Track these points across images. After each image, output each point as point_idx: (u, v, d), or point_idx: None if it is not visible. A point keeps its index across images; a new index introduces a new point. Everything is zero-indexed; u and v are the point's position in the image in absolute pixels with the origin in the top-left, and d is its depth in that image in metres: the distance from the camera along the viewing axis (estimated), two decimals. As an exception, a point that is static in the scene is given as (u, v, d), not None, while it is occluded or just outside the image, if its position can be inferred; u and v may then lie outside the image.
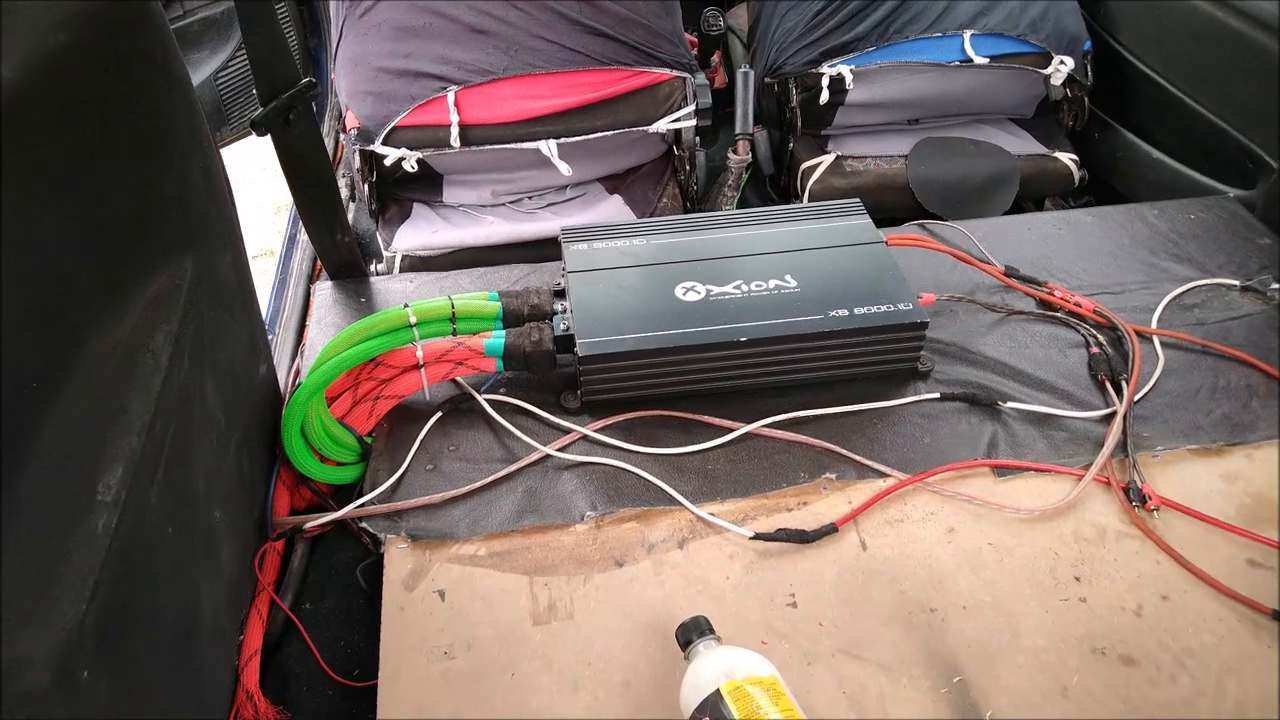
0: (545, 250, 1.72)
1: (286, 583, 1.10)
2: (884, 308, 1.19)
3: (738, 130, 1.81)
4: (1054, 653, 0.94)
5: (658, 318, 1.20)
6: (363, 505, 1.10)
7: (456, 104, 1.67)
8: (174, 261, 0.95)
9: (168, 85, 0.93)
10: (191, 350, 0.95)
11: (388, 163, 1.70)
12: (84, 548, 0.72)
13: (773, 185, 2.04)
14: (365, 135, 1.69)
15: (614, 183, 1.88)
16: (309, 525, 1.11)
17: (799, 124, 1.88)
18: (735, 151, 1.81)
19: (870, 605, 0.98)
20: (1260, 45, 1.51)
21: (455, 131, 1.68)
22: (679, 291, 1.24)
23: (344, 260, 1.44)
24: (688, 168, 1.81)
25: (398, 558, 1.04)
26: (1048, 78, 1.85)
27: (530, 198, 1.88)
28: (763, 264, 1.27)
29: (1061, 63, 1.82)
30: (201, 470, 0.95)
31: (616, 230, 1.36)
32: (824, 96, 1.82)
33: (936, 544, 1.04)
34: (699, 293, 1.23)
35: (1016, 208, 1.87)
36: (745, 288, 1.24)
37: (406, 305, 1.19)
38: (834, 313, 1.19)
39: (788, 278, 1.25)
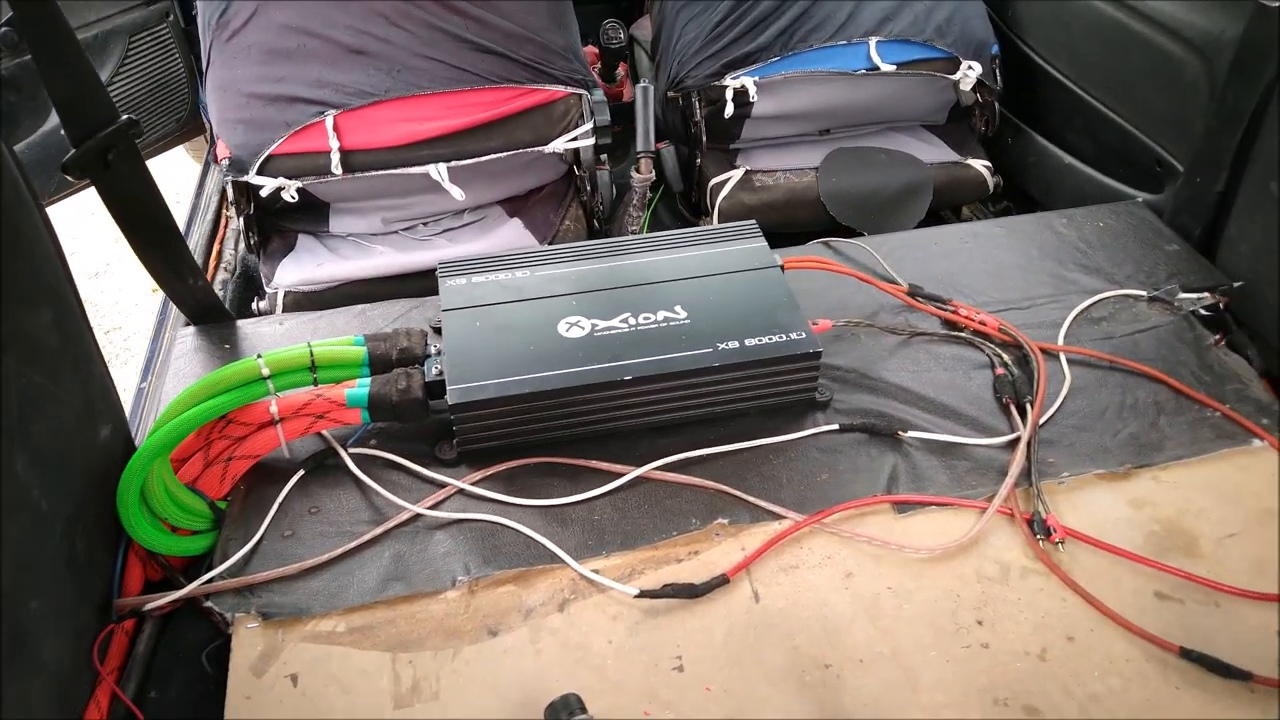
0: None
1: (130, 669, 0.99)
2: (776, 338, 1.13)
3: (639, 148, 1.74)
4: (954, 707, 0.88)
5: (537, 358, 1.12)
6: (210, 580, 1.00)
7: (336, 129, 1.58)
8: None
9: None
10: (-10, 426, 0.85)
11: (264, 193, 1.59)
12: None
13: (684, 202, 1.97)
14: (238, 165, 1.58)
15: (514, 205, 1.80)
16: (149, 606, 1.00)
17: (704, 138, 1.81)
18: (638, 170, 1.74)
19: (762, 664, 0.91)
20: (1164, 49, 1.48)
21: (336, 158, 1.58)
22: (561, 328, 1.16)
23: (200, 304, 1.33)
24: (589, 188, 1.73)
25: (247, 639, 0.95)
26: (957, 83, 1.81)
27: (425, 224, 1.79)
28: (652, 294, 1.20)
29: (970, 68, 1.78)
30: (5, 562, 0.85)
31: (500, 262, 1.27)
32: (729, 109, 1.76)
33: (833, 591, 0.97)
34: (583, 328, 1.15)
35: (933, 216, 1.83)
36: (633, 321, 1.16)
37: (259, 356, 1.09)
38: (723, 345, 1.12)
39: (677, 308, 1.17)
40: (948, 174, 1.84)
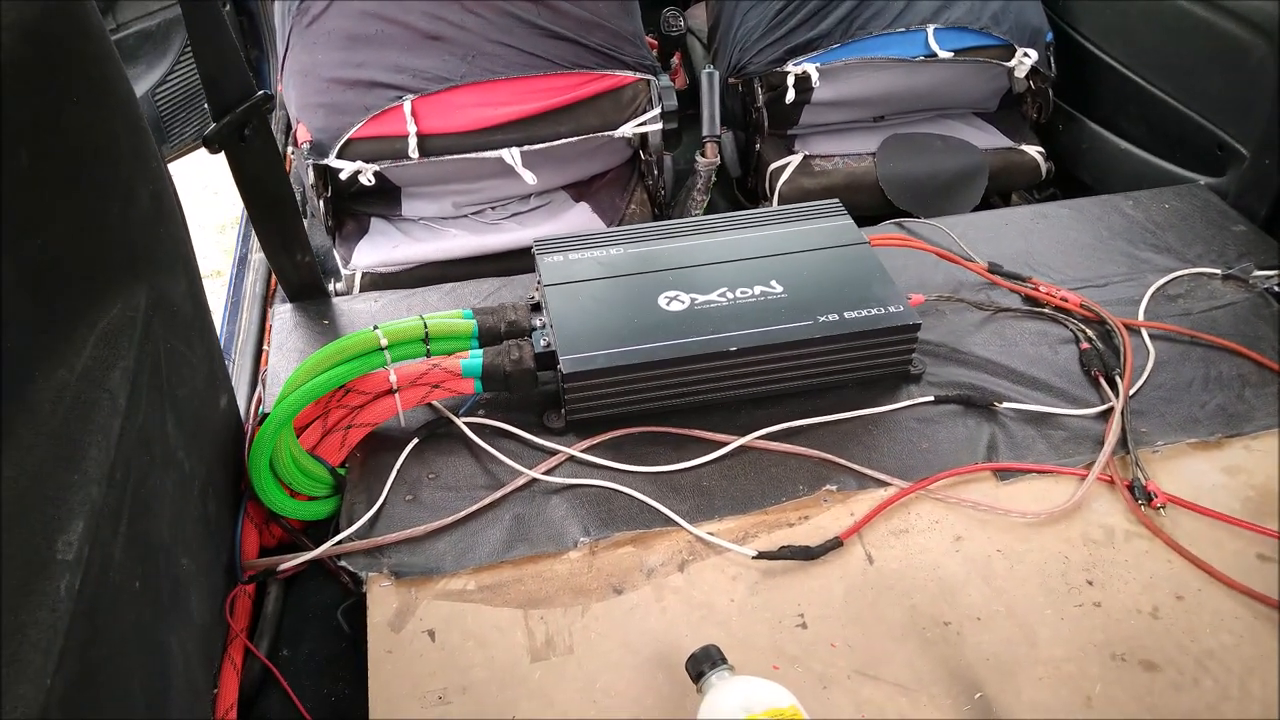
0: (512, 263, 1.66)
1: (261, 629, 1.03)
2: (874, 311, 1.16)
3: (705, 132, 1.77)
4: (1073, 662, 0.91)
5: (642, 330, 1.15)
6: (340, 542, 1.03)
7: (413, 113, 1.61)
8: (125, 292, 0.88)
9: (111, 104, 0.86)
10: (150, 387, 0.88)
11: (343, 176, 1.62)
12: (45, 613, 0.65)
13: (739, 188, 2.00)
14: (319, 149, 1.61)
15: (579, 190, 1.83)
16: (283, 566, 1.03)
17: (765, 124, 1.84)
18: (703, 154, 1.77)
19: (882, 622, 0.95)
20: (1227, 33, 1.52)
21: (413, 142, 1.61)
22: (662, 302, 1.19)
23: (304, 281, 1.36)
24: (655, 172, 1.76)
25: (381, 597, 0.98)
26: (1011, 70, 1.84)
27: (493, 208, 1.82)
28: (746, 270, 1.23)
29: (1025, 55, 1.81)
30: (166, 517, 0.88)
31: (591, 240, 1.31)
32: (790, 95, 1.79)
33: (944, 554, 1.01)
34: (683, 302, 1.19)
35: (983, 202, 1.86)
36: (730, 295, 1.19)
37: (376, 327, 1.12)
38: (823, 318, 1.15)
39: (773, 283, 1.21)
40: (1002, 159, 1.87)
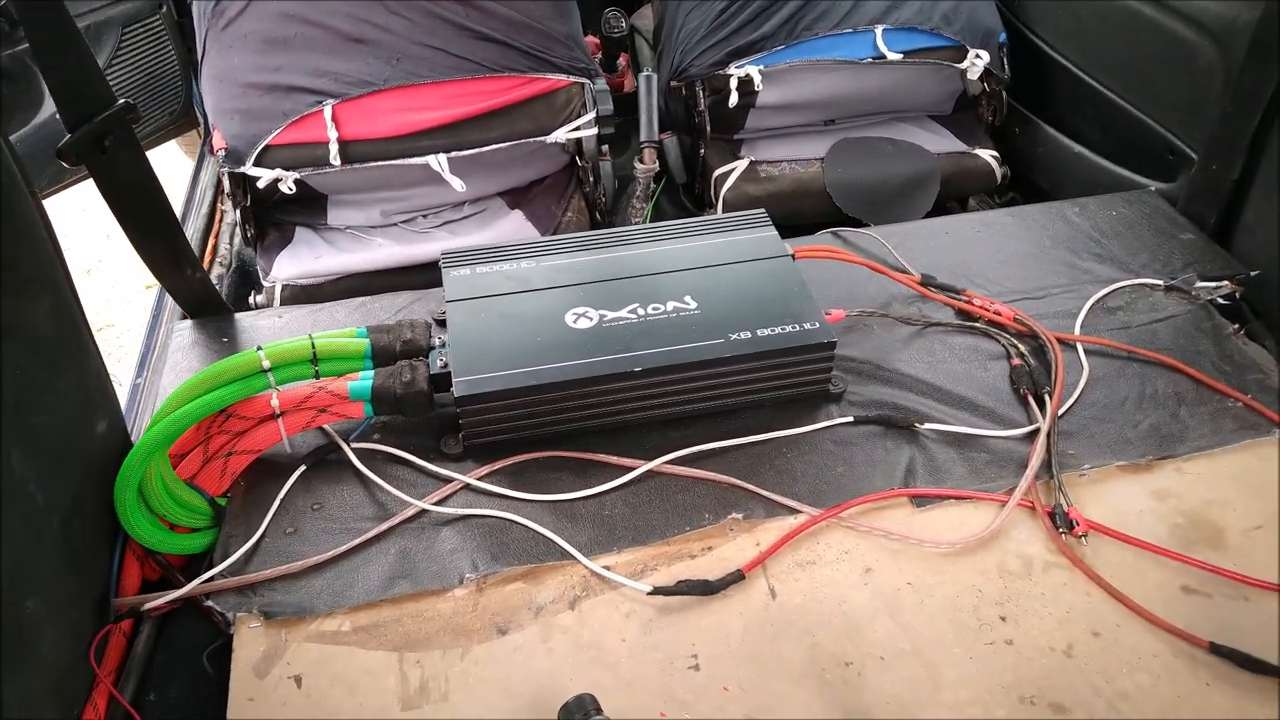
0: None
1: (128, 670, 0.96)
2: (789, 328, 1.10)
3: (643, 138, 1.71)
4: (978, 705, 0.85)
5: (545, 349, 1.09)
6: (210, 579, 0.97)
7: (334, 119, 1.55)
8: (-38, 317, 0.81)
9: None
10: (-16, 420, 0.82)
11: (262, 185, 1.56)
12: None
13: (687, 193, 1.94)
14: (235, 156, 1.55)
15: (514, 197, 1.77)
16: (149, 604, 0.97)
17: (709, 129, 1.78)
18: (642, 160, 1.71)
19: (780, 662, 0.89)
20: (1176, 34, 1.46)
21: (334, 148, 1.55)
22: (569, 319, 1.13)
23: (199, 298, 1.30)
24: (592, 179, 1.70)
25: (249, 639, 0.92)
26: (964, 72, 1.79)
27: (424, 216, 1.76)
28: (661, 284, 1.17)
29: (976, 56, 1.75)
30: (5, 559, 0.82)
31: (504, 252, 1.25)
32: (733, 99, 1.73)
33: (852, 587, 0.95)
34: (591, 319, 1.13)
35: (939, 207, 1.81)
36: (641, 311, 1.13)
37: (260, 348, 1.06)
38: (735, 335, 1.09)
39: (687, 299, 1.15)
40: (955, 164, 1.82)
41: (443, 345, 1.14)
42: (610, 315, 1.13)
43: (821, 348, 1.10)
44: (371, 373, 1.09)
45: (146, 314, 1.70)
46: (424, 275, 1.61)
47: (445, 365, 1.10)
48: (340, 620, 0.93)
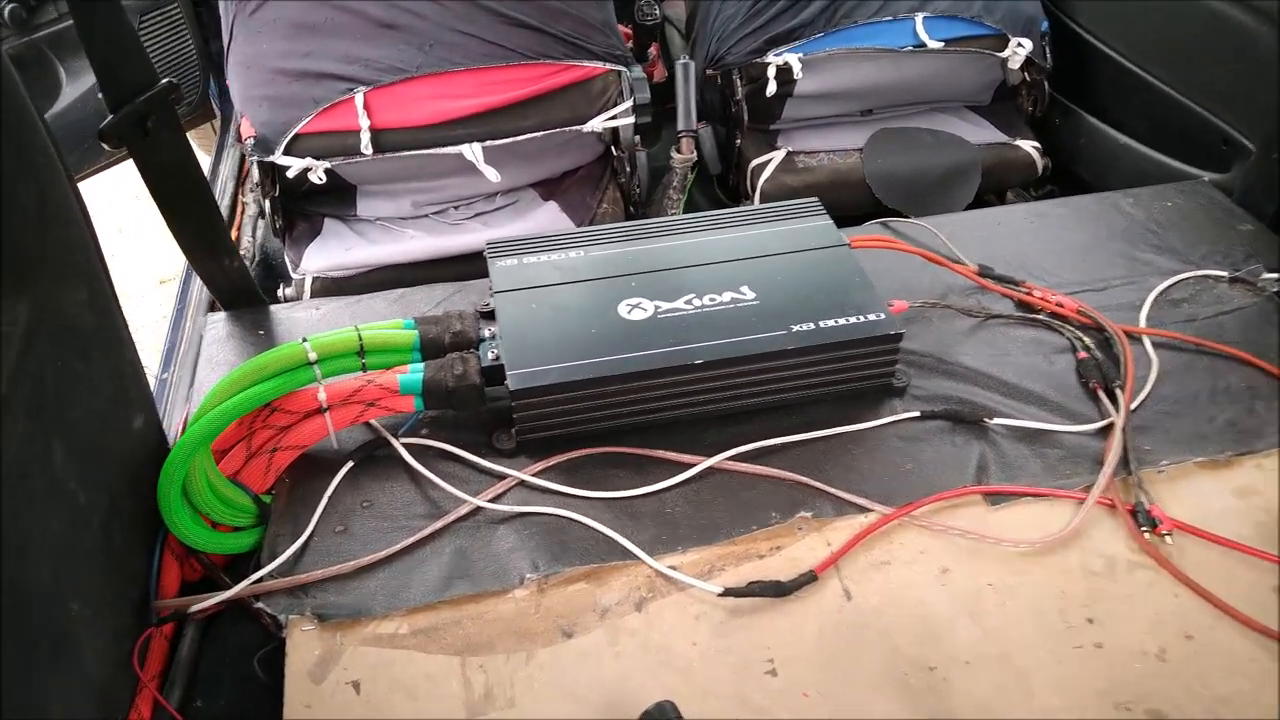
0: (474, 266, 1.55)
1: (173, 677, 0.92)
2: (853, 319, 1.06)
3: (680, 127, 1.67)
4: (1072, 711, 0.81)
5: (600, 341, 1.05)
6: (260, 580, 0.93)
7: (366, 106, 1.51)
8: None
9: None
10: (27, 411, 0.78)
11: (291, 174, 1.52)
12: None
13: (720, 185, 1.90)
14: (263, 144, 1.51)
15: (548, 188, 1.73)
16: (196, 607, 0.93)
17: (745, 118, 1.74)
18: (679, 150, 1.67)
19: (860, 667, 0.85)
20: (1232, 21, 1.42)
21: (366, 137, 1.51)
22: (623, 310, 1.09)
23: (235, 288, 1.26)
24: (629, 169, 1.66)
25: (302, 642, 0.88)
26: (1005, 61, 1.75)
27: (456, 207, 1.72)
28: (716, 274, 1.13)
29: (1019, 45, 1.71)
30: (46, 559, 0.78)
31: (550, 242, 1.21)
32: (771, 88, 1.69)
33: (929, 588, 0.91)
34: (645, 310, 1.09)
35: (977, 200, 1.77)
36: (698, 302, 1.09)
37: (305, 340, 1.02)
38: (797, 327, 1.05)
39: (744, 289, 1.11)
40: (995, 155, 1.77)
41: (492, 337, 1.09)
42: (665, 306, 1.09)
43: (887, 339, 1.06)
44: (421, 365, 1.05)
45: (163, 309, 1.67)
46: (457, 268, 1.57)
47: (496, 358, 1.06)
48: (397, 622, 0.89)
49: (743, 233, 1.20)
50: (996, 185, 1.84)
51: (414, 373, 1.04)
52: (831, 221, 1.22)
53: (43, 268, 0.84)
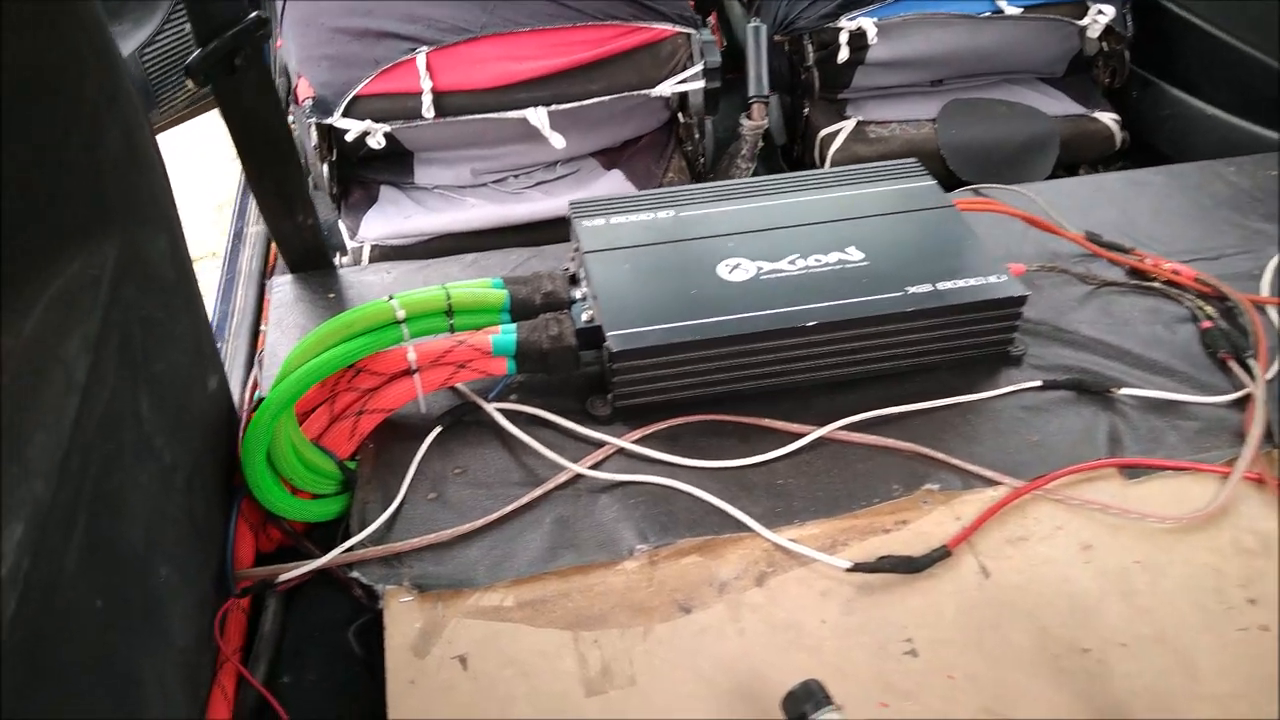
0: (538, 235, 1.50)
1: (257, 651, 0.86)
2: (972, 281, 1.00)
3: (752, 92, 1.60)
4: (1244, 699, 0.75)
5: (700, 303, 0.98)
6: (352, 548, 0.87)
7: (428, 67, 1.44)
8: (89, 247, 0.71)
9: (71, 22, 0.70)
10: (119, 359, 0.72)
11: (349, 138, 1.46)
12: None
13: (784, 156, 1.83)
14: (322, 106, 1.45)
15: (610, 157, 1.66)
16: (284, 577, 0.87)
17: (816, 86, 1.68)
18: (750, 117, 1.60)
19: (1008, 648, 0.78)
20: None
21: (428, 100, 1.45)
22: (722, 270, 1.03)
23: (306, 248, 1.20)
24: (696, 136, 1.60)
25: (401, 614, 0.82)
26: (1083, 30, 1.68)
27: (515, 176, 1.65)
28: (819, 235, 1.07)
29: (1099, 12, 1.65)
30: (140, 518, 0.72)
31: (636, 202, 1.14)
32: (843, 54, 1.63)
33: (1072, 566, 0.84)
34: (747, 270, 1.02)
35: (1051, 175, 1.70)
36: (802, 263, 1.03)
37: (391, 298, 0.96)
38: (913, 289, 0.99)
39: (851, 249, 1.04)
40: (1073, 128, 1.70)
41: (584, 299, 1.03)
42: (768, 267, 1.02)
43: (1009, 303, 0.99)
44: (514, 327, 0.99)
45: (212, 282, 1.61)
46: (517, 237, 1.51)
47: (591, 319, 0.99)
48: (502, 594, 0.83)
49: (842, 193, 1.14)
50: (1071, 160, 1.76)
51: (506, 334, 0.98)
52: (934, 182, 1.16)
53: (127, 212, 0.78)
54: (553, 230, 1.46)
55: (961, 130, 1.68)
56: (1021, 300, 0.99)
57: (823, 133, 1.68)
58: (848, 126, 1.68)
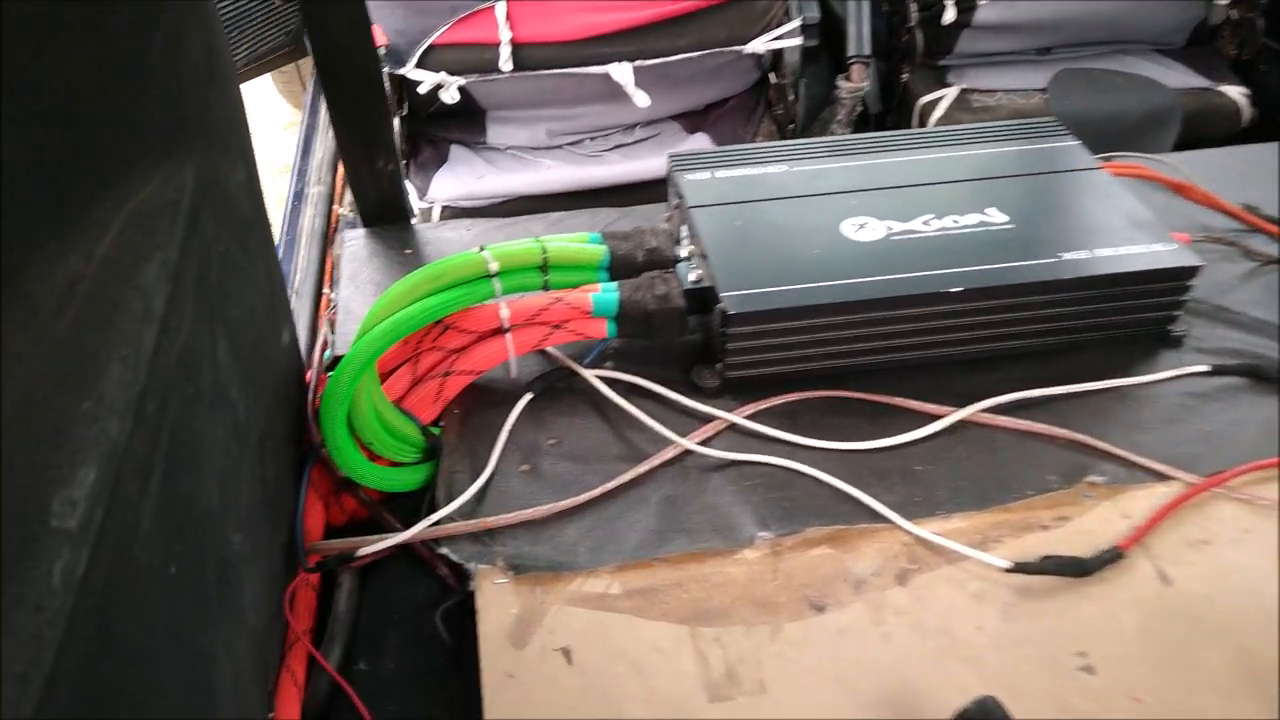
0: (615, 202, 1.40)
1: (331, 632, 0.77)
2: (1135, 249, 0.88)
3: (851, 51, 1.49)
4: None
5: (826, 263, 0.88)
6: (439, 522, 0.77)
7: (508, 17, 1.36)
8: (168, 165, 0.63)
9: None
10: (197, 295, 0.63)
11: (422, 90, 1.38)
12: (25, 615, 0.40)
13: (879, 125, 1.72)
14: (395, 55, 1.37)
15: (694, 121, 1.57)
16: (364, 551, 0.78)
17: (918, 50, 1.56)
18: (849, 78, 1.49)
19: (1204, 671, 0.67)
20: None
21: (506, 52, 1.36)
22: (848, 229, 0.92)
23: (384, 198, 1.11)
24: (791, 97, 1.49)
25: (496, 598, 0.72)
26: (1212, -4, 1.55)
27: (592, 139, 1.56)
28: (955, 194, 0.96)
29: (1234, -23, 1.52)
30: (215, 475, 0.63)
31: (743, 155, 1.04)
32: (949, 14, 1.52)
33: (1268, 575, 0.73)
34: (875, 230, 0.91)
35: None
36: (937, 224, 0.92)
37: (483, 248, 0.87)
38: (1068, 255, 0.88)
39: (992, 211, 0.93)
40: (1195, 101, 1.58)
41: (689, 258, 0.93)
42: (899, 227, 0.92)
43: (1179, 274, 0.87)
44: (615, 285, 0.89)
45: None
46: (597, 203, 1.41)
47: (699, 279, 0.89)
48: (607, 580, 0.73)
49: (974, 151, 1.03)
50: (1192, 137, 1.63)
51: (607, 292, 0.88)
52: (1079, 143, 1.04)
53: (207, 134, 0.69)
54: (632, 196, 1.37)
55: (1075, 101, 1.56)
56: (1193, 272, 0.87)
57: (922, 101, 1.57)
58: (950, 94, 1.56)
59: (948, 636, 0.70)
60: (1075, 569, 0.72)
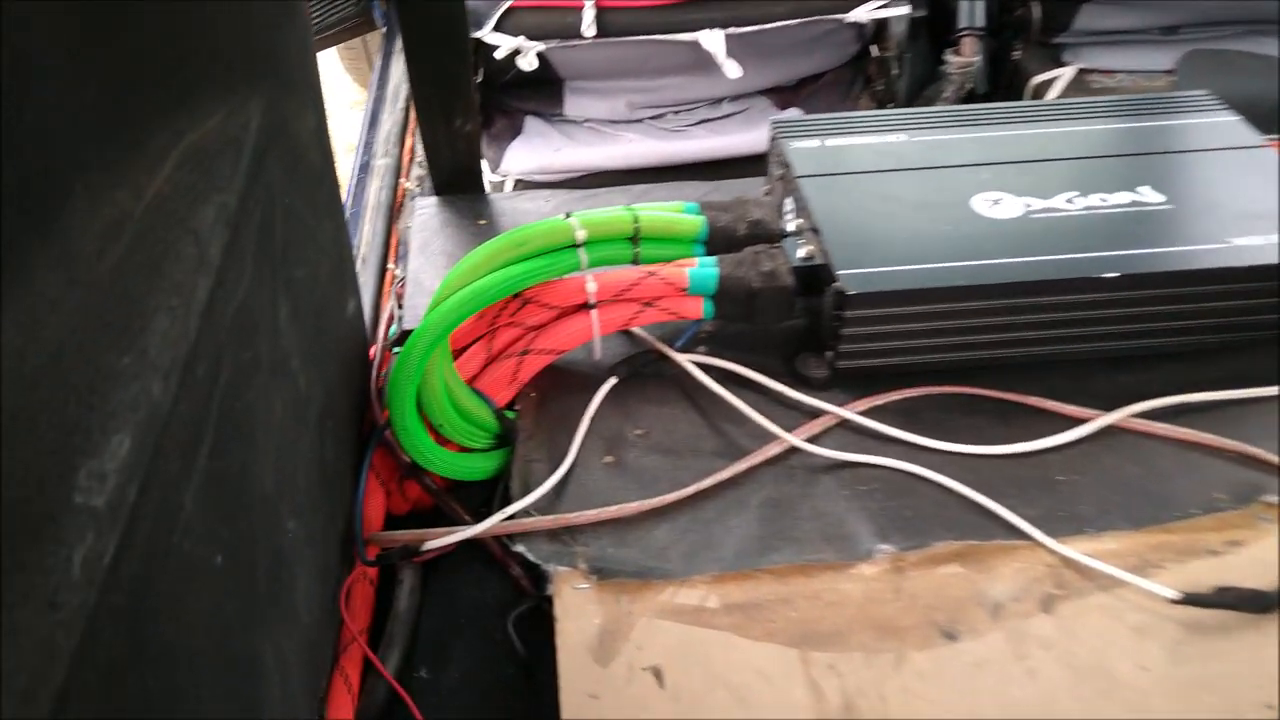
0: (704, 177, 1.31)
1: (390, 634, 0.70)
2: (1319, 236, 0.76)
3: (963, 24, 1.38)
4: None
5: (955, 242, 0.78)
6: (514, 516, 0.69)
7: (594, -22, 1.27)
8: (232, 100, 0.55)
9: None
10: (258, 247, 0.55)
11: (499, 55, 1.30)
12: (32, 611, 0.32)
13: (983, 107, 1.60)
14: (473, 17, 1.29)
15: (785, 97, 1.46)
16: (430, 545, 0.70)
17: (1034, 25, 1.44)
18: (959, 52, 1.38)
19: None
20: None
21: (589, 15, 1.28)
22: (979, 205, 0.81)
23: (459, 164, 1.03)
24: (894, 71, 1.38)
25: (577, 606, 0.64)
26: (1368, -31, 1.39)
27: (675, 113, 1.47)
28: (1100, 170, 0.84)
29: (1397, -53, 1.36)
30: (271, 452, 0.56)
31: (857, 122, 0.93)
32: (1069, -14, 1.39)
33: None
34: (1011, 207, 0.81)
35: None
36: (1082, 202, 0.81)
37: (569, 215, 0.78)
38: (1239, 241, 0.76)
39: (1144, 190, 0.82)
40: (1340, 87, 1.42)
41: (797, 233, 0.83)
42: (1039, 204, 0.81)
43: (1373, 268, 0.75)
44: (714, 260, 0.80)
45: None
46: (681, 177, 1.32)
47: (810, 256, 0.79)
48: (703, 592, 0.64)
49: (1120, 125, 0.91)
50: (1334, 126, 1.48)
51: (706, 267, 0.79)
52: (1239, 118, 0.92)
53: (276, 72, 0.62)
54: (717, 174, 1.28)
55: (1206, 85, 1.40)
56: (1389, 265, 0.75)
57: (1035, 80, 1.44)
58: (1067, 74, 1.43)
59: (1105, 677, 0.59)
60: (1256, 603, 0.61)
